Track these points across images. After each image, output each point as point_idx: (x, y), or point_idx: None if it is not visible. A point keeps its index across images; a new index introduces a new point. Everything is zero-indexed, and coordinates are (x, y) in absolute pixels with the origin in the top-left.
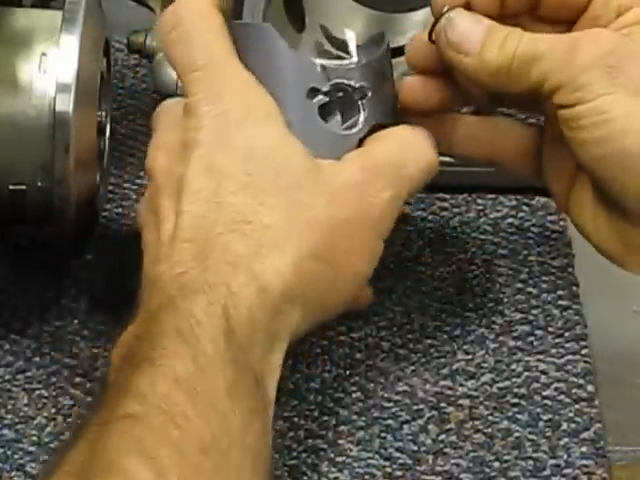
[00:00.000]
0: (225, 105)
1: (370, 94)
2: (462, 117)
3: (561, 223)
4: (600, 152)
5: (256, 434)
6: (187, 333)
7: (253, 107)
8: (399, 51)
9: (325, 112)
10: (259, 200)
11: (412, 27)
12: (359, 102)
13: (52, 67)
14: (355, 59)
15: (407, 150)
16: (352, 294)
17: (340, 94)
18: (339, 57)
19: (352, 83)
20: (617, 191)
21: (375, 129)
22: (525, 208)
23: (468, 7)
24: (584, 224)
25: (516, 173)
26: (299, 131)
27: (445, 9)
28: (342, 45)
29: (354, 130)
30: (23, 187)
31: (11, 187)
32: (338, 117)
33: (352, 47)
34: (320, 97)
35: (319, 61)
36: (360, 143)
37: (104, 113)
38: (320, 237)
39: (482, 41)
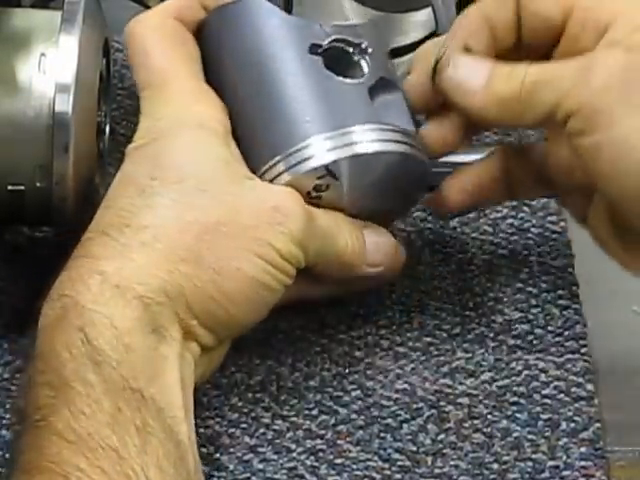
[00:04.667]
0: (157, 120)
1: (371, 50)
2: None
3: (561, 224)
4: (629, 184)
5: (156, 450)
6: (56, 381)
7: (183, 118)
8: (400, 51)
9: (329, 69)
10: (148, 202)
11: (412, 27)
12: (361, 57)
13: (51, 67)
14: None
15: None
16: (254, 300)
17: (342, 46)
18: None
19: (351, 39)
20: None
21: (382, 83)
22: (525, 209)
23: (467, 51)
24: (603, 241)
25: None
26: (309, 86)
27: (443, 50)
28: None
29: (362, 79)
30: (22, 187)
31: (10, 187)
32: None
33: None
34: (322, 51)
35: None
36: (371, 95)
37: (103, 113)
38: (199, 238)
39: (488, 76)
